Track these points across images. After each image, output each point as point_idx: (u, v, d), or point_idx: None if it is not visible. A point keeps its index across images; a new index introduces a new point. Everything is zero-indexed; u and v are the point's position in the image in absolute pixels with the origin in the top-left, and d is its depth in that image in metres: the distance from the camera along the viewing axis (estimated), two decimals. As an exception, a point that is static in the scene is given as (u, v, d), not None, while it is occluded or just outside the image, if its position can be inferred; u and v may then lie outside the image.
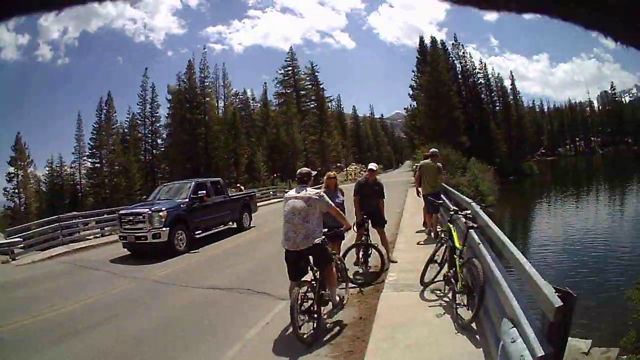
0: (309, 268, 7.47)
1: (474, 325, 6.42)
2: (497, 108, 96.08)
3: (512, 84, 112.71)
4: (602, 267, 19.61)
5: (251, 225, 22.78)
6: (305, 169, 7.89)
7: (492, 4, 0.76)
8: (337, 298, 7.90)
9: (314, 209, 7.26)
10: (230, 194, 22.51)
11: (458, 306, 6.93)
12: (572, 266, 20.17)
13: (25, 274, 16.08)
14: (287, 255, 7.34)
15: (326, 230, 7.87)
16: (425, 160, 14.62)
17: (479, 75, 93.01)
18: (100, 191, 71.13)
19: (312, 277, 7.49)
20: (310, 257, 7.44)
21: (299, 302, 6.91)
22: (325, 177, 10.71)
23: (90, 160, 74.86)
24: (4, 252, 20.05)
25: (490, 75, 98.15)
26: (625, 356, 9.83)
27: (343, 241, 10.40)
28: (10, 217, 61.12)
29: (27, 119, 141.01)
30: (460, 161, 46.53)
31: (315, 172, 8.31)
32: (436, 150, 15.47)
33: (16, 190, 66.31)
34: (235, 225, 21.92)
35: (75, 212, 27.28)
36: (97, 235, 25.28)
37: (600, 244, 24.27)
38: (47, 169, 73.78)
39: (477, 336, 6.23)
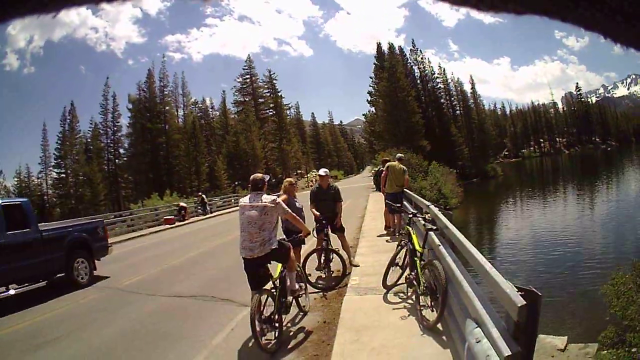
0: (269, 276, 7.38)
1: (439, 326, 6.41)
2: (458, 112, 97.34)
3: (472, 87, 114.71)
4: (573, 264, 19.88)
5: (100, 276, 14.79)
6: (258, 175, 7.75)
7: (489, 5, 0.72)
8: (297, 286, 7.87)
9: (270, 217, 7.17)
10: (46, 228, 14.20)
11: (422, 308, 6.90)
12: (543, 265, 20.41)
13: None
14: (245, 264, 7.22)
15: (284, 237, 7.98)
16: (393, 163, 15.00)
17: (438, 80, 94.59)
18: (67, 202, 70.24)
19: (272, 286, 7.42)
20: (269, 264, 7.41)
21: (259, 311, 6.81)
22: (284, 183, 10.62)
23: (56, 170, 73.98)
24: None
25: (449, 80, 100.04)
26: (605, 351, 9.88)
27: (304, 246, 10.37)
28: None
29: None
30: (422, 165, 46.68)
31: (269, 176, 8.16)
32: (402, 155, 16.25)
33: (-14, 201, 64.40)
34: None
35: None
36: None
37: (570, 242, 24.66)
38: (16, 179, 73.03)
39: (444, 337, 6.22)
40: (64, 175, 73.05)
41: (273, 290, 7.34)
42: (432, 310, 6.62)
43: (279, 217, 7.56)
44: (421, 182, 40.25)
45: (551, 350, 9.97)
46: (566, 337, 10.65)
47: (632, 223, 28.76)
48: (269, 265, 7.41)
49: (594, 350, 10.08)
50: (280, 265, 7.65)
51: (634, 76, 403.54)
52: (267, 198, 7.29)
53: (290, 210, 7.82)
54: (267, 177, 7.81)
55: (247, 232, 7.06)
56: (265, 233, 7.05)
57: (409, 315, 7.22)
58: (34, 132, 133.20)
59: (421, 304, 6.97)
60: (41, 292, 13.67)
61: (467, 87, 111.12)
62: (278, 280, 7.47)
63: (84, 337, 8.96)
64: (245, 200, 7.42)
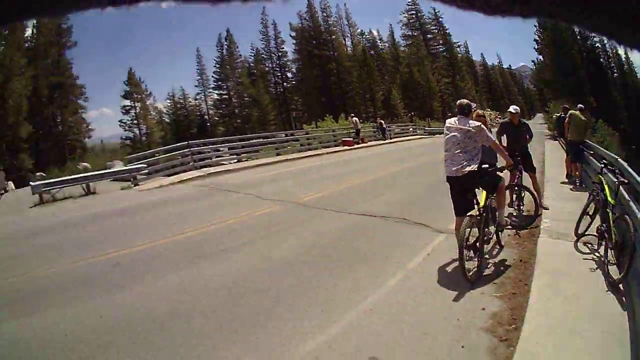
0: (474, 203, 7.46)
1: (621, 286, 6.22)
2: (615, 74, 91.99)
3: (626, 53, 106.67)
4: None
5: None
6: (465, 100, 7.74)
7: (496, 9, 0.75)
8: (506, 220, 8.08)
9: (473, 141, 7.25)
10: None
11: (609, 263, 6.75)
12: None
13: (152, 198, 16.13)
14: (451, 185, 7.42)
15: (487, 166, 7.65)
16: (575, 111, 14.96)
17: (596, 39, 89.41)
18: (231, 121, 73.57)
19: (478, 213, 7.41)
20: (476, 190, 7.57)
21: (466, 238, 6.91)
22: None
23: (216, 92, 77.43)
24: (124, 179, 20.64)
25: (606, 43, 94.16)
26: None
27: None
28: (130, 147, 63.87)
29: (140, 57, 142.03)
30: (590, 120, 44.90)
31: (475, 105, 8.17)
32: (582, 106, 15.73)
33: (135, 122, 68.99)
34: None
35: (205, 139, 27.60)
36: (233, 161, 25.49)
37: None
38: (169, 101, 76.87)
39: (623, 298, 5.94)
40: (226, 96, 76.40)
41: (478, 218, 7.34)
42: (618, 268, 6.53)
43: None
44: (591, 137, 39.03)
45: None
46: None
47: None
48: (476, 191, 7.54)
49: None
50: (485, 193, 7.66)
51: None
52: (472, 123, 7.33)
53: (494, 139, 7.87)
54: (473, 105, 7.84)
55: (451, 152, 7.27)
56: (467, 155, 7.18)
57: (596, 269, 6.96)
58: (180, 59, 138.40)
59: (608, 259, 6.82)
60: (208, 204, 14.18)
61: (621, 52, 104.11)
62: (483, 209, 7.47)
63: (263, 247, 9.22)
64: (452, 121, 7.53)
